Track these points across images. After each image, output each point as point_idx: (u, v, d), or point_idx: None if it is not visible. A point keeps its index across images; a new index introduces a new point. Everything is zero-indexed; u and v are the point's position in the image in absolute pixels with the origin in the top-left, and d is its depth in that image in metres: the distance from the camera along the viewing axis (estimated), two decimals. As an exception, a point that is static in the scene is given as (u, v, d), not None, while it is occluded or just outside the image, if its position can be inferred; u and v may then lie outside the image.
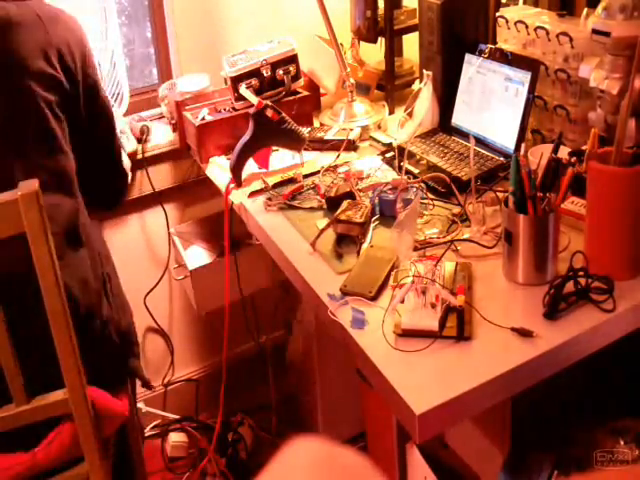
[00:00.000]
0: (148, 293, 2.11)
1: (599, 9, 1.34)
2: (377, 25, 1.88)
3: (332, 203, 1.47)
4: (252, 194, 1.58)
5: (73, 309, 1.24)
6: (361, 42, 1.97)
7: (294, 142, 1.62)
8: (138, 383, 1.65)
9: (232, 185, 1.62)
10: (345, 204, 1.41)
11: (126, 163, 1.71)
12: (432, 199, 1.46)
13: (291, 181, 1.60)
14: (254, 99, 1.68)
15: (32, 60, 1.34)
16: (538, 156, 1.20)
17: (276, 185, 1.59)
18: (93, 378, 1.31)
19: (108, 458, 1.37)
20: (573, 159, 1.24)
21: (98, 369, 1.35)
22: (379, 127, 1.84)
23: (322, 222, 1.42)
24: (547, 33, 1.53)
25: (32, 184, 1.10)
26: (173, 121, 1.94)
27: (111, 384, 1.42)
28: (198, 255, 1.98)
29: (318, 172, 1.63)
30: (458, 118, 1.71)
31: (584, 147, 1.23)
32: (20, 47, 1.33)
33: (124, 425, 1.47)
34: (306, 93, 1.87)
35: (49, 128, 1.36)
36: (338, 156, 1.68)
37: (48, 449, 1.30)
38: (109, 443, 1.45)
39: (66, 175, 1.40)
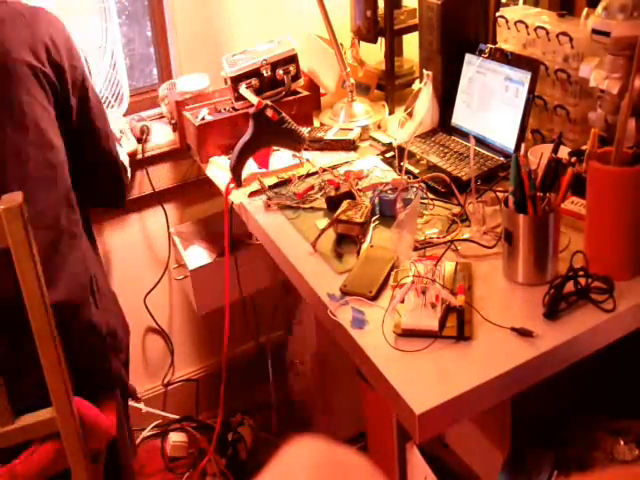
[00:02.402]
0: (148, 293, 2.11)
1: (599, 9, 1.34)
2: (377, 25, 1.88)
3: (332, 203, 1.47)
4: (252, 194, 1.58)
5: (57, 307, 1.21)
6: (361, 42, 1.97)
7: (294, 142, 1.62)
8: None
9: (232, 185, 1.62)
10: (345, 204, 1.41)
11: (124, 157, 1.69)
12: (432, 199, 1.46)
13: (287, 182, 1.60)
14: (254, 99, 1.68)
15: (18, 53, 1.34)
16: (538, 156, 1.20)
17: (272, 186, 1.59)
18: (77, 384, 1.26)
19: (97, 474, 1.32)
20: (573, 159, 1.24)
21: (81, 373, 1.31)
22: (379, 127, 1.84)
23: (322, 222, 1.42)
24: (547, 33, 1.53)
25: (16, 197, 1.04)
26: (173, 121, 1.94)
27: (95, 392, 1.38)
28: (198, 255, 1.97)
29: (317, 172, 1.63)
30: (458, 118, 1.71)
31: (584, 147, 1.23)
32: (5, 41, 1.33)
33: (115, 440, 1.41)
34: (306, 93, 1.87)
35: (35, 119, 1.34)
36: (338, 156, 1.68)
37: (28, 462, 1.24)
38: (99, 459, 1.38)
39: (54, 169, 1.38)
